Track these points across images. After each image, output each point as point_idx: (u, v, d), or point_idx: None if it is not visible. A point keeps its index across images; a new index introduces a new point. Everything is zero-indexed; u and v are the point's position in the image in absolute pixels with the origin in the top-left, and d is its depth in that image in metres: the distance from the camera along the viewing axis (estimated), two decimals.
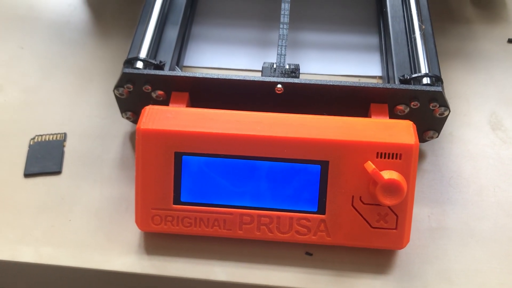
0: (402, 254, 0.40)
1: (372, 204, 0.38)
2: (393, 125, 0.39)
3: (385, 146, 0.37)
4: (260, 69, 0.45)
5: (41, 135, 0.47)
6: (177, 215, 0.39)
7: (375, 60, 0.52)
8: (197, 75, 0.42)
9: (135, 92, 0.43)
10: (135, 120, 0.46)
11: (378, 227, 0.38)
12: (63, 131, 0.47)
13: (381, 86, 0.41)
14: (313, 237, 0.39)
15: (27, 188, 0.44)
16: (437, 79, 0.42)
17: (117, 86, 0.43)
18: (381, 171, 0.37)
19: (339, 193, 0.38)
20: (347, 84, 0.41)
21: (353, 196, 0.38)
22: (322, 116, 0.39)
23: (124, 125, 0.48)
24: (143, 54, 0.44)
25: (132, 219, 0.41)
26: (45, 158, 0.45)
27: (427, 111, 0.42)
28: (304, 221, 0.39)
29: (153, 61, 0.44)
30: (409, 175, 0.37)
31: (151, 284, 0.40)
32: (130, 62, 0.43)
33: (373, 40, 0.53)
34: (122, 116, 0.46)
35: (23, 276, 0.41)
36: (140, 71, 0.42)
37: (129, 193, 0.43)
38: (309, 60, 0.52)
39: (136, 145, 0.39)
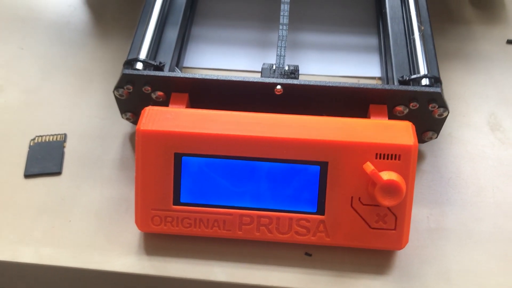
0: (401, 255, 0.40)
1: (371, 205, 0.38)
2: (392, 126, 0.39)
3: (384, 147, 0.37)
4: (260, 70, 0.45)
5: (41, 136, 0.47)
6: (177, 215, 0.39)
7: (374, 61, 0.52)
8: (197, 76, 0.42)
9: (135, 93, 0.43)
10: (135, 121, 0.46)
11: (377, 228, 0.38)
12: (63, 132, 0.47)
13: (380, 87, 0.41)
14: (313, 237, 0.39)
15: (27, 189, 0.44)
16: (436, 80, 0.42)
17: (117, 87, 0.43)
18: (380, 172, 0.37)
19: (338, 194, 0.38)
20: (346, 85, 0.41)
21: (352, 197, 0.38)
22: (321, 117, 0.39)
23: (124, 126, 0.48)
24: (143, 55, 0.44)
25: (132, 219, 0.41)
26: (45, 159, 0.45)
27: (426, 112, 0.42)
28: (304, 221, 0.39)
29: (153, 62, 0.44)
30: (408, 176, 0.37)
31: (151, 285, 0.40)
32: (130, 63, 0.44)
33: (372, 41, 0.54)
34: (122, 117, 0.46)
35: (23, 277, 0.41)
36: (140, 72, 0.42)
37: (129, 193, 0.43)
38: (308, 61, 0.52)
39: (136, 146, 0.39)
